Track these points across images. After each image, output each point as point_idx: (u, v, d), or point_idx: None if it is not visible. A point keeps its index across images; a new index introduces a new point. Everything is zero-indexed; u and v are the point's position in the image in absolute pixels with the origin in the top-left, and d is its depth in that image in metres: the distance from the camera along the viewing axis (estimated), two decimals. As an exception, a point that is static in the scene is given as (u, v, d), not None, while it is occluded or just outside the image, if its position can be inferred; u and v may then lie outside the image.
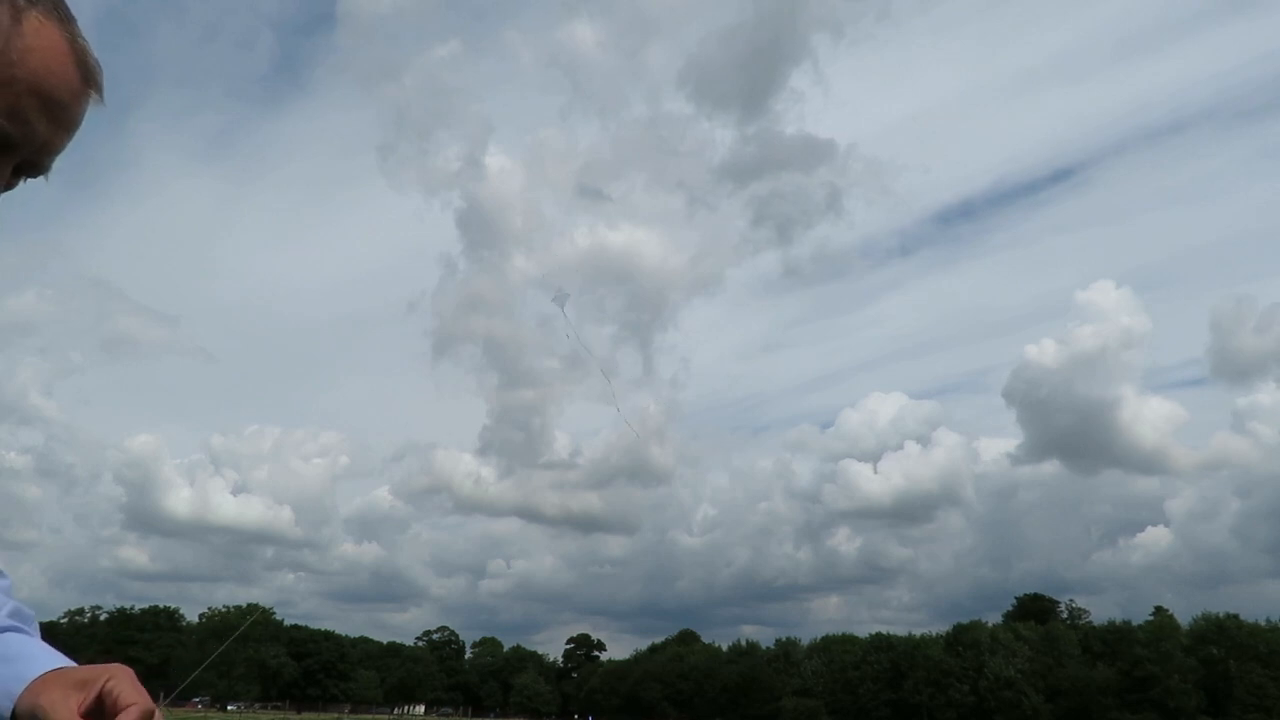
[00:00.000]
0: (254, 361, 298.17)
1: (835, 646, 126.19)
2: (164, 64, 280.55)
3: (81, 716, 1.10)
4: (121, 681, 1.14)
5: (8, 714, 1.17)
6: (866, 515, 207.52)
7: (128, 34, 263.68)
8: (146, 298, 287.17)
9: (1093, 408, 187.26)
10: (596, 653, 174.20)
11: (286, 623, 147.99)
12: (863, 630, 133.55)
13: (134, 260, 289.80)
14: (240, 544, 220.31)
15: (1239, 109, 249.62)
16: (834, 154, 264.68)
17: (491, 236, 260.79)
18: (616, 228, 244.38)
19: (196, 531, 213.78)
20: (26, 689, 1.16)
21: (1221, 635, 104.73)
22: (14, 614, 1.30)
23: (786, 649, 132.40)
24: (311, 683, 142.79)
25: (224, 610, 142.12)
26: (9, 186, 1.17)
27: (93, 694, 1.12)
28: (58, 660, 1.23)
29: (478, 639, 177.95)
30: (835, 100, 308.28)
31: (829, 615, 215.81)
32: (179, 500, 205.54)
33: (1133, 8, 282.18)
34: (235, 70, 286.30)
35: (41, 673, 1.18)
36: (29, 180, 1.19)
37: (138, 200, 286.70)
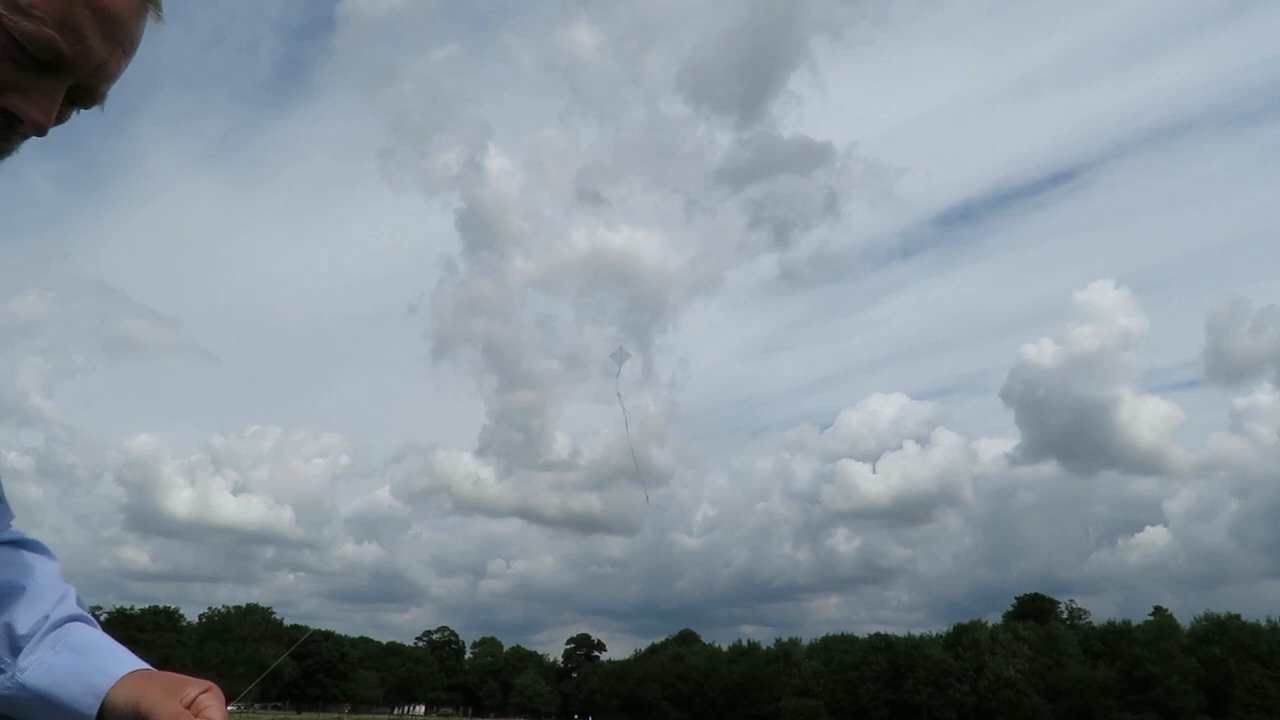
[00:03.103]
0: (255, 362, 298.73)
1: (835, 646, 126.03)
2: (168, 68, 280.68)
3: None
4: (214, 698, 1.11)
5: (94, 711, 1.09)
6: (865, 515, 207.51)
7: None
8: (149, 300, 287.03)
9: (1090, 408, 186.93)
10: (596, 653, 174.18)
11: (286, 623, 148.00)
12: (862, 630, 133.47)
13: (136, 262, 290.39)
14: (241, 544, 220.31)
15: (1238, 113, 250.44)
16: (831, 157, 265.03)
17: (491, 238, 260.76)
18: (616, 229, 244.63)
19: (197, 532, 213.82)
20: (118, 684, 1.09)
21: (1222, 635, 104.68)
22: (79, 602, 1.21)
23: (786, 649, 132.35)
24: (311, 683, 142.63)
25: (224, 610, 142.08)
26: (63, 119, 1.04)
27: (187, 700, 1.07)
28: (135, 658, 1.16)
29: (478, 639, 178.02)
30: (833, 103, 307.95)
31: (828, 615, 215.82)
32: (180, 500, 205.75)
33: (1132, 12, 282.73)
34: (239, 74, 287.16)
35: (129, 670, 1.11)
36: (84, 112, 1.05)
37: (140, 203, 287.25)
